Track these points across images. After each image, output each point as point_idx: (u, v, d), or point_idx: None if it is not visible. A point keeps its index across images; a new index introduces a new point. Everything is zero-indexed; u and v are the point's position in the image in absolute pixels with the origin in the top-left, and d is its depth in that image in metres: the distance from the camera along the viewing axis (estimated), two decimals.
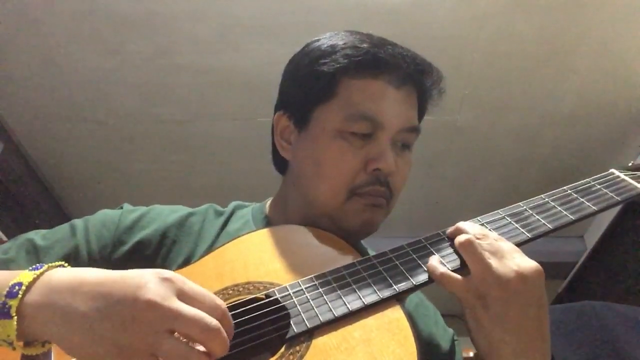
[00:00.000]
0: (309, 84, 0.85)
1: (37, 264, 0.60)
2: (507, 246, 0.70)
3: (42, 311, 0.56)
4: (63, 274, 0.59)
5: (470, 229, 0.73)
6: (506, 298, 0.66)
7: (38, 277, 0.58)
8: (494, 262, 0.67)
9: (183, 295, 0.55)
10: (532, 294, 0.67)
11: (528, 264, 0.68)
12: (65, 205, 2.92)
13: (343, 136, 0.82)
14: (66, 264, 0.62)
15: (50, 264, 0.61)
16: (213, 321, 0.54)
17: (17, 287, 0.56)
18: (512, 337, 0.66)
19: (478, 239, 0.70)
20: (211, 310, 0.56)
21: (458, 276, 0.68)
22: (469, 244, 0.69)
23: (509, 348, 0.66)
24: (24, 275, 0.58)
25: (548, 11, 1.98)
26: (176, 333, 0.54)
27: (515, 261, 0.68)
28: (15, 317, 0.55)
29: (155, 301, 0.53)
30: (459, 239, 0.70)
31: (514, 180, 2.69)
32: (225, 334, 0.55)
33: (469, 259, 0.68)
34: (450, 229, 0.76)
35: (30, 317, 0.56)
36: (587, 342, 1.55)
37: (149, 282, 0.54)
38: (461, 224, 0.75)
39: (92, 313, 0.54)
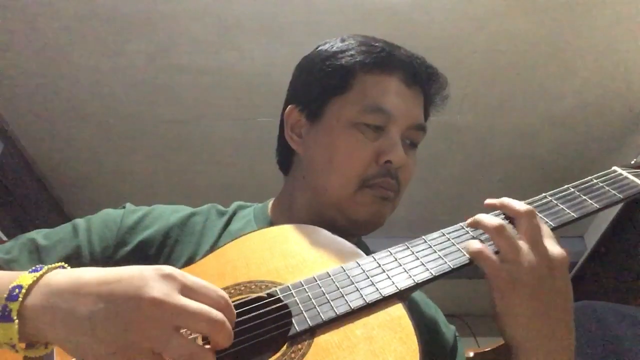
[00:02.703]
0: (325, 77, 0.87)
1: (37, 266, 0.60)
2: (539, 230, 0.70)
3: (44, 314, 0.55)
4: (63, 276, 0.58)
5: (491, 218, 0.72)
6: (535, 284, 0.66)
7: (38, 279, 0.57)
8: (524, 246, 0.68)
9: (185, 290, 0.55)
10: (559, 282, 0.68)
11: (557, 251, 0.69)
12: (65, 205, 2.92)
13: (357, 127, 0.84)
14: (66, 265, 0.62)
15: (49, 266, 0.60)
16: (218, 314, 0.55)
17: (17, 290, 0.56)
18: (538, 324, 0.67)
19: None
20: (214, 302, 0.56)
21: (494, 255, 0.68)
22: (501, 228, 0.69)
23: (534, 334, 0.67)
24: (24, 278, 0.57)
25: (548, 11, 1.98)
26: (182, 330, 0.54)
27: (546, 247, 0.68)
28: (17, 321, 0.54)
29: (159, 299, 0.52)
30: (491, 222, 0.70)
31: (514, 180, 2.69)
32: (229, 326, 0.55)
33: (502, 243, 0.68)
34: (468, 220, 0.76)
35: (32, 320, 0.55)
36: (587, 342, 1.55)
37: (150, 279, 0.54)
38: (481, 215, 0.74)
39: (95, 314, 0.53)
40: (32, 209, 2.67)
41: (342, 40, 0.90)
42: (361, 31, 0.94)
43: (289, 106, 0.92)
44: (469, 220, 0.75)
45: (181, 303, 0.53)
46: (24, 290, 0.56)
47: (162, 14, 2.03)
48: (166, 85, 2.30)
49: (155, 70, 2.24)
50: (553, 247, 0.69)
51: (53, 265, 0.61)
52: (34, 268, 0.59)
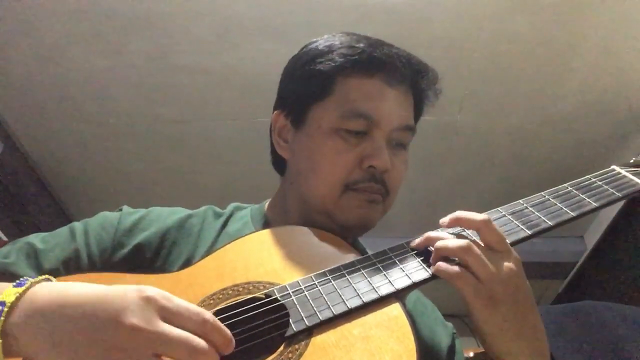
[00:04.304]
0: (305, 83, 0.86)
1: (22, 279, 0.60)
2: (502, 238, 0.70)
3: (27, 332, 0.55)
4: (46, 292, 0.58)
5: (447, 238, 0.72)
6: (514, 295, 0.66)
7: (21, 295, 0.57)
8: (494, 260, 0.67)
9: (166, 313, 0.54)
10: (526, 283, 0.68)
11: (516, 254, 0.69)
12: (65, 205, 2.91)
13: (338, 134, 0.82)
14: (52, 278, 0.62)
15: (33, 280, 0.60)
16: (199, 342, 0.54)
17: (0, 307, 0.56)
18: (525, 331, 0.67)
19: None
20: (197, 325, 0.55)
21: (472, 276, 0.67)
22: (469, 247, 0.68)
23: (525, 342, 0.67)
24: (7, 294, 0.57)
25: (548, 11, 1.98)
26: (163, 357, 0.53)
27: (512, 253, 0.69)
28: (1, 341, 0.54)
29: (138, 326, 0.52)
30: (455, 244, 0.69)
31: (514, 180, 2.69)
32: (215, 352, 0.55)
33: (472, 262, 0.67)
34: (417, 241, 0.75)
35: (15, 338, 0.55)
36: (587, 342, 1.55)
37: (131, 304, 0.53)
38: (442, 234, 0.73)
39: (77, 337, 0.53)
40: (32, 209, 2.67)
41: (326, 41, 0.87)
42: (361, 31, 0.92)
43: (275, 111, 0.92)
44: (418, 241, 0.75)
45: (160, 330, 0.53)
46: (6, 309, 0.56)
47: (162, 14, 2.03)
48: (166, 85, 2.30)
49: (155, 70, 2.24)
50: (514, 252, 0.69)
51: (37, 278, 0.60)
52: (18, 282, 0.59)
